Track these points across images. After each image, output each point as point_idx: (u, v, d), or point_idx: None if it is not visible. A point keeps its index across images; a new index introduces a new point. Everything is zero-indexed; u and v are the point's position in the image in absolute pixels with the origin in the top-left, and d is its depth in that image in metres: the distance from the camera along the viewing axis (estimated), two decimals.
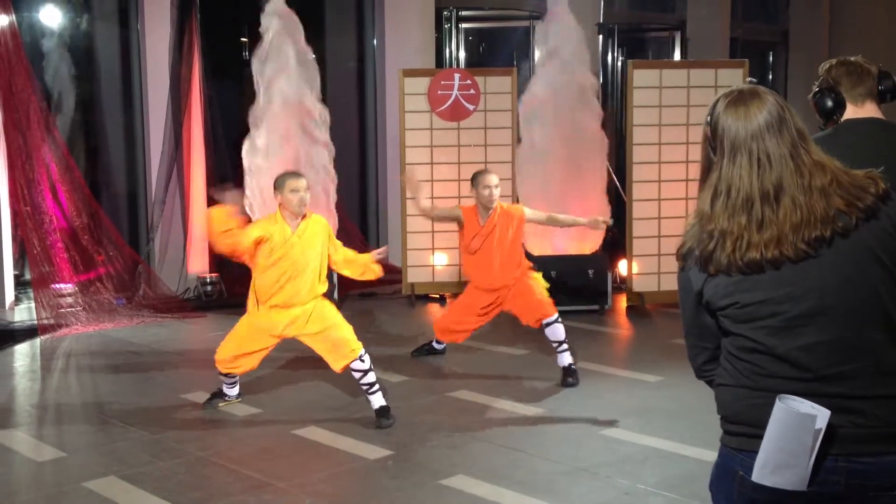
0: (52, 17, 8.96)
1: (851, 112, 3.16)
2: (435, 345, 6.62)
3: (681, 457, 4.68)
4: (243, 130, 8.32)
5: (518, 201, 8.05)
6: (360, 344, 5.23)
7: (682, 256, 2.05)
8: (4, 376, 6.40)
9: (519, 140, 8.60)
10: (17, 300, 8.36)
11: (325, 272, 5.33)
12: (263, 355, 5.37)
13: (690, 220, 2.04)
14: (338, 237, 6.01)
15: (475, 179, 6.01)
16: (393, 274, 9.33)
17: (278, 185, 5.23)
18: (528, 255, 6.67)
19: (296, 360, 6.47)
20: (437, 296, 8.82)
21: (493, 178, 5.98)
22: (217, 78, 9.09)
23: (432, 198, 8.64)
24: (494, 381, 6.06)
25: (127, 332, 7.57)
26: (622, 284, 8.59)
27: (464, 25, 10.67)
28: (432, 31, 9.95)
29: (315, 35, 8.43)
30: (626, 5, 12.43)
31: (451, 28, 10.47)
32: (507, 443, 4.92)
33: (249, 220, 5.60)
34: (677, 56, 11.50)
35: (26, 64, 7.74)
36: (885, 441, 1.92)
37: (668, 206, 8.19)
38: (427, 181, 8.62)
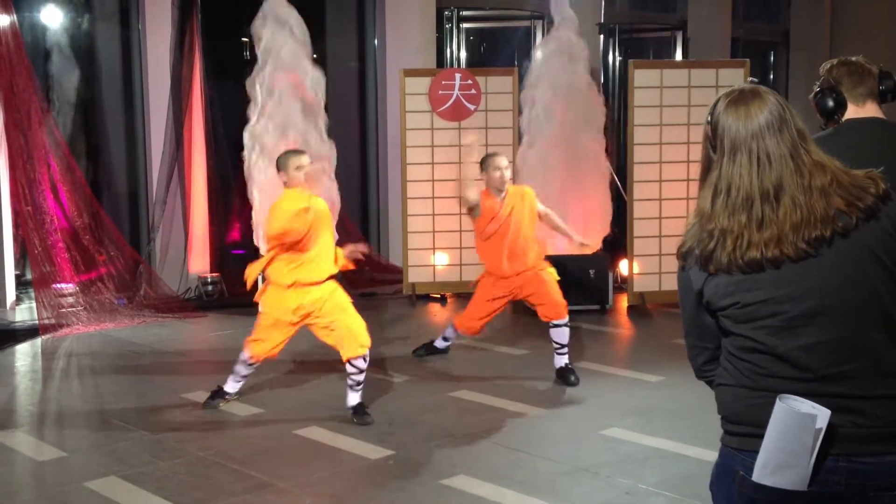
0: (53, 18, 8.96)
1: (853, 112, 3.17)
2: (437, 344, 6.61)
3: (681, 457, 4.68)
4: (243, 130, 8.33)
5: None
6: (369, 340, 5.26)
7: (683, 255, 2.05)
8: (5, 376, 6.40)
9: (520, 140, 8.61)
10: (19, 300, 8.37)
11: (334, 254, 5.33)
12: (282, 346, 5.41)
13: (691, 220, 2.04)
14: (338, 237, 6.02)
15: (485, 162, 5.95)
16: (394, 274, 9.35)
17: (281, 164, 5.19)
18: None
19: (297, 361, 6.47)
20: (438, 296, 8.81)
21: (503, 160, 5.92)
22: (218, 78, 9.09)
23: (433, 198, 8.67)
24: (495, 381, 6.06)
25: (128, 332, 7.57)
26: (623, 284, 8.59)
27: (465, 25, 10.66)
28: (433, 31, 9.95)
29: (316, 35, 8.42)
30: (626, 5, 12.42)
31: (452, 28, 10.47)
32: (507, 443, 4.92)
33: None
34: (678, 56, 11.49)
35: (27, 64, 7.75)
36: (886, 441, 1.92)
37: (668, 205, 8.19)
38: (427, 181, 8.64)
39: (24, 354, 7.00)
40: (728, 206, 1.96)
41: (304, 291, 5.19)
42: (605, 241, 8.60)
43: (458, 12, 10.48)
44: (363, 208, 10.38)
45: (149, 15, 8.69)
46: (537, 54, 8.67)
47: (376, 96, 10.14)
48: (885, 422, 1.92)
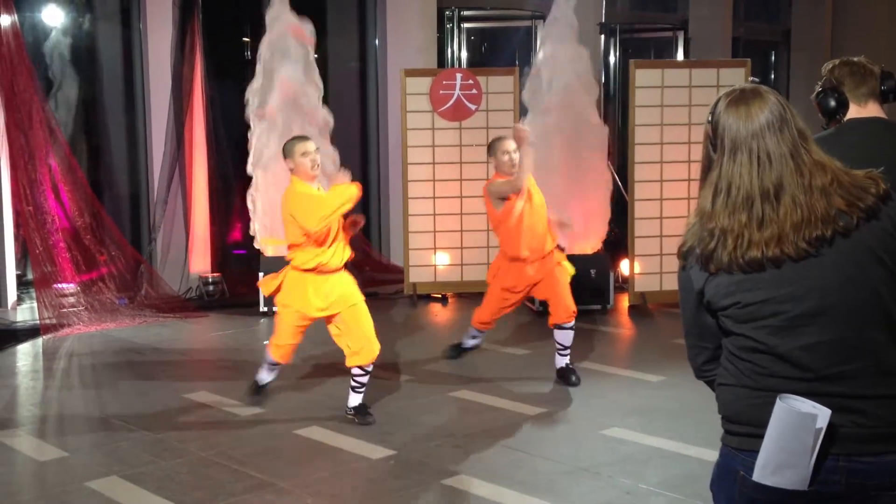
0: (54, 17, 8.97)
1: (854, 112, 3.18)
2: (467, 342, 6.42)
3: (682, 456, 4.68)
4: (244, 130, 8.34)
5: None
6: (378, 346, 5.24)
7: (683, 255, 2.05)
8: (7, 376, 6.41)
9: None
10: (20, 300, 8.37)
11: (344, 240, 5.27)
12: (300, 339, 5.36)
13: (691, 219, 2.05)
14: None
15: (493, 146, 5.85)
16: (395, 274, 9.35)
17: (287, 151, 5.12)
18: None
19: (298, 361, 6.47)
20: (440, 296, 8.81)
21: (511, 144, 5.80)
22: (219, 78, 9.10)
23: (434, 198, 8.66)
24: (496, 381, 6.06)
25: (129, 332, 7.58)
26: (624, 284, 8.59)
27: (466, 25, 10.67)
28: (434, 31, 9.95)
29: (317, 35, 8.42)
30: (627, 5, 12.43)
31: (452, 28, 10.48)
32: (508, 443, 4.92)
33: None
34: (679, 56, 11.49)
35: (28, 64, 7.75)
36: (886, 441, 1.92)
37: (669, 205, 8.19)
38: (429, 181, 8.64)
39: (26, 354, 7.00)
40: (728, 205, 1.96)
41: (324, 279, 5.12)
42: (606, 240, 8.59)
43: (459, 12, 10.49)
44: (364, 208, 10.38)
45: (150, 15, 8.70)
46: (538, 54, 8.67)
47: (377, 96, 10.14)
48: (886, 421, 1.92)
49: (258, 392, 5.53)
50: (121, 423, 5.32)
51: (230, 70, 9.65)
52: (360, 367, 5.20)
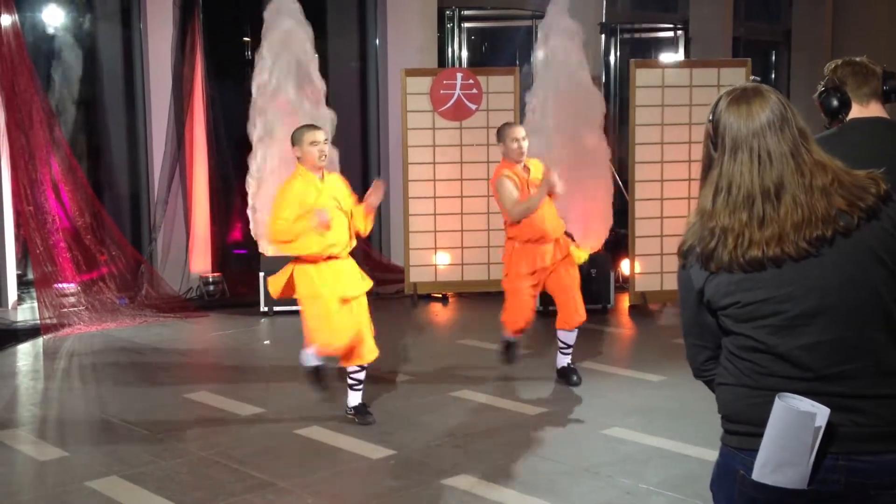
0: (54, 17, 8.97)
1: (857, 112, 3.18)
2: (511, 340, 6.16)
3: (683, 456, 4.68)
4: (245, 130, 8.33)
5: None
6: (376, 350, 5.22)
7: (684, 254, 2.05)
8: (7, 376, 6.41)
9: None
10: (20, 300, 8.37)
11: (351, 228, 5.19)
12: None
13: (691, 218, 2.04)
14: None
15: (502, 133, 5.70)
16: (395, 273, 9.34)
17: (296, 139, 5.06)
18: None
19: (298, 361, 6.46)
20: (440, 295, 8.81)
21: (520, 131, 5.70)
22: (219, 78, 9.09)
23: (434, 197, 8.66)
24: (496, 381, 6.05)
25: (129, 332, 7.57)
26: (625, 284, 8.59)
27: (466, 25, 10.67)
28: (434, 31, 9.95)
29: (317, 35, 8.42)
30: (628, 5, 12.43)
31: (453, 27, 10.47)
32: (508, 442, 4.92)
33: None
34: (680, 55, 11.48)
35: (29, 64, 7.75)
36: (886, 440, 1.92)
37: (670, 205, 8.19)
38: (429, 181, 8.63)
39: (26, 354, 7.00)
40: (729, 204, 1.96)
41: (331, 265, 5.06)
42: (607, 240, 8.59)
43: (460, 12, 10.48)
44: None
45: (150, 14, 8.70)
46: (537, 53, 8.67)
47: (378, 96, 10.13)
48: (886, 421, 1.92)
49: (318, 382, 5.36)
50: (121, 422, 5.32)
51: (230, 70, 9.65)
52: (357, 365, 5.19)
